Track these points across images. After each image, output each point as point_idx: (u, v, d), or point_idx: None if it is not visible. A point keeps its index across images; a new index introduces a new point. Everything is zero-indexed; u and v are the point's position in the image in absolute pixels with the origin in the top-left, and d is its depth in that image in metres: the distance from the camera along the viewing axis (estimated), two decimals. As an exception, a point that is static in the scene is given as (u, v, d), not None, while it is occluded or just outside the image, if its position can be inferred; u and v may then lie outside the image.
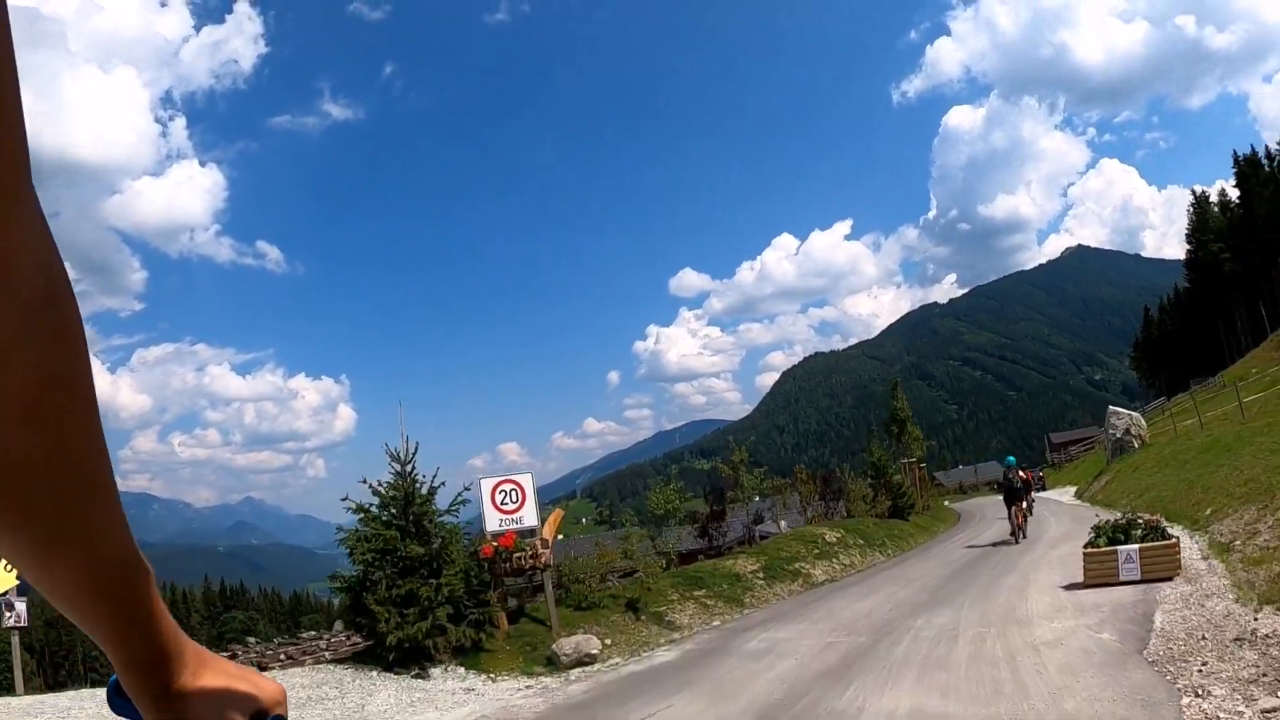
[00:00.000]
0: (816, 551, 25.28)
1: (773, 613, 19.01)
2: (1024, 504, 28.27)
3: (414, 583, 15.05)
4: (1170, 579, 14.35)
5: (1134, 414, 52.35)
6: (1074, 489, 56.80)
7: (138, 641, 0.75)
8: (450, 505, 16.38)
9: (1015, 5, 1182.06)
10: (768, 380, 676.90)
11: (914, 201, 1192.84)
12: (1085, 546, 16.01)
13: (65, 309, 0.55)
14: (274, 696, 0.94)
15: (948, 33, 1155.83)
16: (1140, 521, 15.99)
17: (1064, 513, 38.71)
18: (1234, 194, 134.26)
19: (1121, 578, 14.92)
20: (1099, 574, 15.30)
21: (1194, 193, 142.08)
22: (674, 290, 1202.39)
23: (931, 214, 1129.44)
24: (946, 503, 67.73)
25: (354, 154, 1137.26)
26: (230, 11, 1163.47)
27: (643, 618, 18.03)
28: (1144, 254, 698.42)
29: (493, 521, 16.96)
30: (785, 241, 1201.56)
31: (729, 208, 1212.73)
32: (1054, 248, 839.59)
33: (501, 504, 16.83)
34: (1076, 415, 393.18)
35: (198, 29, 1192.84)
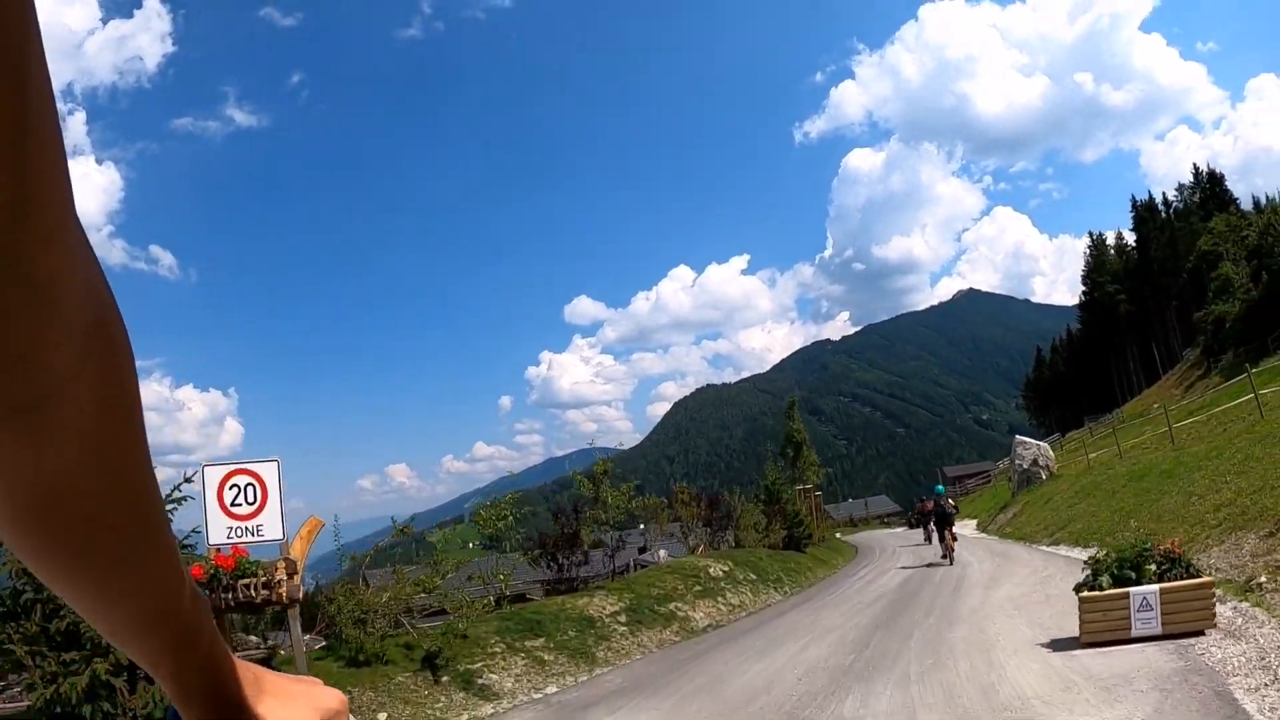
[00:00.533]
0: (698, 588, 20.40)
1: (633, 676, 13.97)
2: (952, 529, 29.19)
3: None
4: (1202, 633, 10.26)
5: (1041, 444, 49.01)
6: (974, 522, 53.32)
7: (197, 673, 0.74)
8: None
9: (920, 54, 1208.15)
10: (659, 410, 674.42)
11: (811, 239, 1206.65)
12: (1081, 589, 11.17)
13: (116, 335, 0.49)
14: (334, 708, 0.87)
15: (852, 76, 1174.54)
16: (1152, 552, 11.18)
17: (976, 547, 34.71)
18: (1130, 239, 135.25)
19: (1136, 632, 10.41)
20: (1102, 628, 10.64)
21: (1091, 235, 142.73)
22: (569, 317, 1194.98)
23: (828, 252, 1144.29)
24: (839, 535, 64.32)
25: (255, 162, 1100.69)
26: (140, 7, 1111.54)
27: (444, 679, 12.73)
28: (1033, 299, 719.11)
29: (218, 530, 10.99)
30: (682, 273, 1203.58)
31: (627, 238, 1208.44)
32: (946, 290, 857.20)
33: (232, 504, 11.06)
34: (963, 453, 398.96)
35: (104, 21, 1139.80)
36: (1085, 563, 11.87)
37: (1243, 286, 67.73)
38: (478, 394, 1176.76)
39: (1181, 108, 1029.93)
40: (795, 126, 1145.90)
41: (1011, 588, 17.18)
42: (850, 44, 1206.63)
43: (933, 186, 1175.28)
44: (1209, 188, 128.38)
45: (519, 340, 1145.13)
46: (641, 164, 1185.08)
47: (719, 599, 20.41)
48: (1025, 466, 46.88)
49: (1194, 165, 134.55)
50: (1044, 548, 27.79)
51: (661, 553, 31.92)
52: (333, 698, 0.93)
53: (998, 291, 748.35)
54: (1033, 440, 49.24)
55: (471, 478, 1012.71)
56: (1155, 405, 73.17)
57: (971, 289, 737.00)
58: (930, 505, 37.95)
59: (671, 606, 18.49)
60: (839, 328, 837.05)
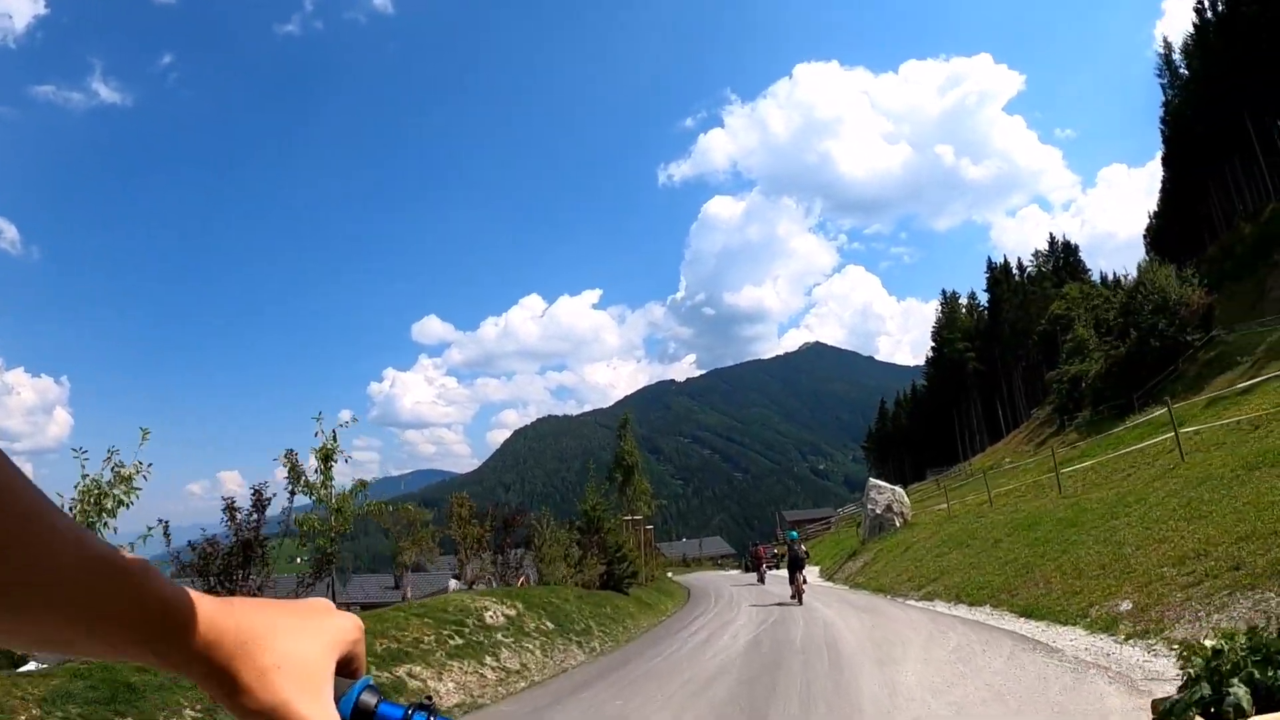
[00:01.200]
0: (457, 642, 13.92)
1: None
2: (803, 574, 29.35)
3: None
4: None
5: (896, 489, 44.27)
6: (816, 569, 48.65)
7: (186, 666, 0.72)
8: None
9: (789, 111, 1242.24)
10: (499, 437, 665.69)
11: (664, 280, 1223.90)
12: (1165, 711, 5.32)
13: None
14: (350, 634, 0.71)
15: (722, 125, 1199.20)
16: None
17: (829, 597, 30.25)
18: (983, 299, 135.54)
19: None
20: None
21: (944, 293, 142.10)
22: (416, 336, 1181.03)
23: (680, 295, 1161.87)
24: (670, 574, 60.31)
25: (115, 142, 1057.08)
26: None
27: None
28: (877, 357, 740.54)
29: None
30: (533, 302, 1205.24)
31: (483, 261, 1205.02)
32: (793, 341, 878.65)
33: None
34: (798, 500, 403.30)
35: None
36: (1178, 663, 6.03)
37: (1099, 348, 66.71)
38: (318, 405, 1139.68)
39: (1035, 188, 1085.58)
40: (661, 168, 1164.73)
41: (920, 666, 11.86)
42: (724, 94, 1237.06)
43: (789, 240, 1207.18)
44: (1063, 256, 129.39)
45: (365, 354, 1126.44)
46: (505, 187, 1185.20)
47: (488, 659, 13.95)
48: (878, 512, 42.87)
49: (1050, 234, 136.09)
50: (915, 603, 23.52)
51: (452, 583, 25.85)
52: (348, 622, 0.88)
53: (843, 347, 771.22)
54: (887, 485, 44.48)
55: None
56: (1007, 459, 71.01)
57: (818, 342, 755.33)
58: (763, 550, 47.49)
59: (402, 671, 12.03)
60: (685, 369, 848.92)
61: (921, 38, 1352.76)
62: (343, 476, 15.88)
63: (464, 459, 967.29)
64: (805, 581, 29.26)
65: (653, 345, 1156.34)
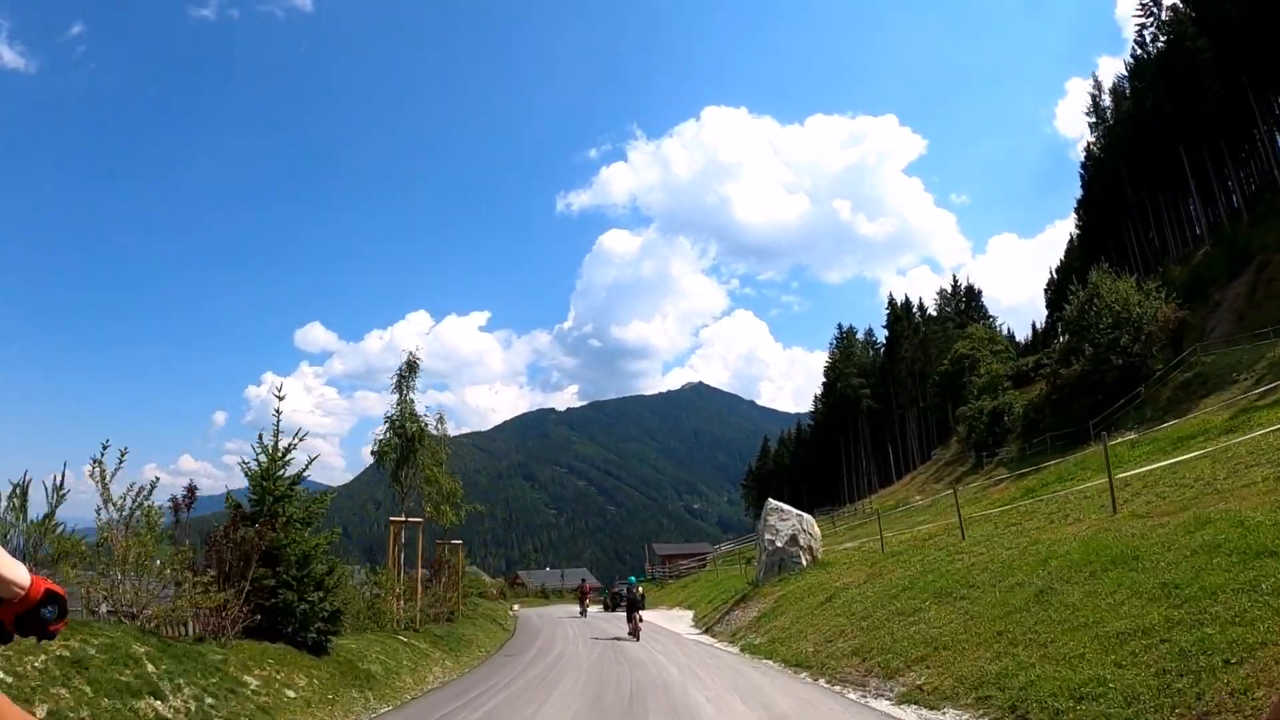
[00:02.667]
0: None
1: None
2: (640, 614, 30.34)
3: None
4: None
5: (804, 516, 32.42)
6: (690, 614, 37.30)
7: None
8: None
9: (693, 152, 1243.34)
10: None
11: (553, 309, 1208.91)
12: None
13: None
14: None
15: (625, 159, 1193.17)
16: None
17: (713, 669, 18.66)
18: (881, 335, 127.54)
19: None
20: None
21: (840, 327, 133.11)
22: (299, 343, 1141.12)
23: (567, 324, 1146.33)
24: (516, 607, 55.89)
25: (10, 107, 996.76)
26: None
27: None
28: (758, 402, 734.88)
29: None
30: (420, 319, 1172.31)
31: (372, 273, 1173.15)
32: (676, 380, 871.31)
33: None
34: (671, 537, 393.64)
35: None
36: None
37: (1007, 389, 59.72)
38: (191, 403, 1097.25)
39: (927, 249, 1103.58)
40: (560, 195, 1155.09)
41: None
42: (630, 128, 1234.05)
43: (681, 279, 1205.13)
44: (965, 300, 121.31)
45: (244, 355, 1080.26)
46: (401, 199, 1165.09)
47: None
48: (779, 544, 31.55)
49: (954, 276, 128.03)
50: (876, 701, 12.65)
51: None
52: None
53: (725, 389, 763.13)
54: (792, 509, 32.36)
55: (172, 490, 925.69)
56: (917, 496, 60.87)
57: (701, 383, 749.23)
58: (587, 587, 53.32)
59: None
60: (566, 399, 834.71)
61: (832, 93, 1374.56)
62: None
63: (337, 471, 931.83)
64: (642, 620, 30.45)
65: (536, 372, 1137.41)
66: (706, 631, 29.94)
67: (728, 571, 53.70)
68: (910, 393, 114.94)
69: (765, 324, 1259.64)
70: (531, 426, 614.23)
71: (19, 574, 1.63)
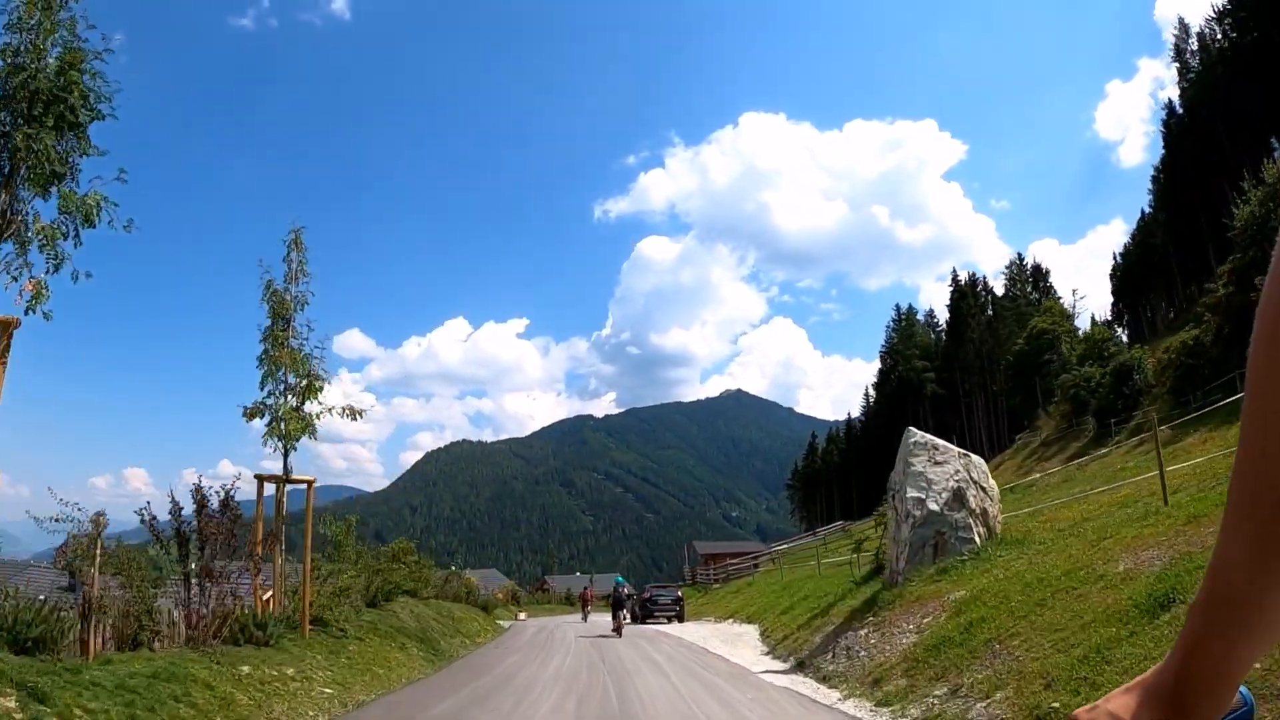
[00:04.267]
0: None
1: None
2: (624, 613, 32.62)
3: None
4: None
5: (972, 457, 18.86)
6: (752, 629, 25.64)
7: None
8: None
9: (731, 158, 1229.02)
10: (412, 458, 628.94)
11: (592, 316, 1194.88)
12: None
13: None
14: None
15: (662, 166, 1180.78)
16: None
17: None
18: (942, 318, 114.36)
19: None
20: None
21: (898, 308, 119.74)
22: (337, 349, 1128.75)
23: (605, 331, 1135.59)
24: (522, 615, 53.88)
25: None
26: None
27: None
28: (797, 409, 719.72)
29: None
30: (458, 326, 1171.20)
31: (412, 279, 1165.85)
32: (714, 387, 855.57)
33: None
34: (691, 553, 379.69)
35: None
36: None
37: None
38: (230, 410, 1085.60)
39: (966, 255, 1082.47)
40: (598, 202, 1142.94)
41: None
42: (667, 135, 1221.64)
43: (720, 287, 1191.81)
44: (1033, 279, 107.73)
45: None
46: (440, 207, 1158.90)
47: None
48: (935, 506, 17.75)
49: (1018, 254, 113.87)
50: None
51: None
52: None
53: (764, 396, 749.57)
54: (953, 447, 19.02)
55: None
56: (1037, 473, 48.21)
57: (740, 390, 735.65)
58: (590, 592, 52.56)
59: None
60: (604, 406, 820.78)
61: (871, 98, 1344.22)
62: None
63: (375, 477, 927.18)
64: (626, 619, 32.89)
65: (574, 380, 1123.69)
66: (799, 667, 17.22)
67: (798, 570, 41.75)
68: (978, 377, 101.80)
69: (804, 331, 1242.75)
70: (569, 433, 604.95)
71: None
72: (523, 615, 56.53)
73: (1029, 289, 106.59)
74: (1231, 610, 0.91)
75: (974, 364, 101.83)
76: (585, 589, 55.44)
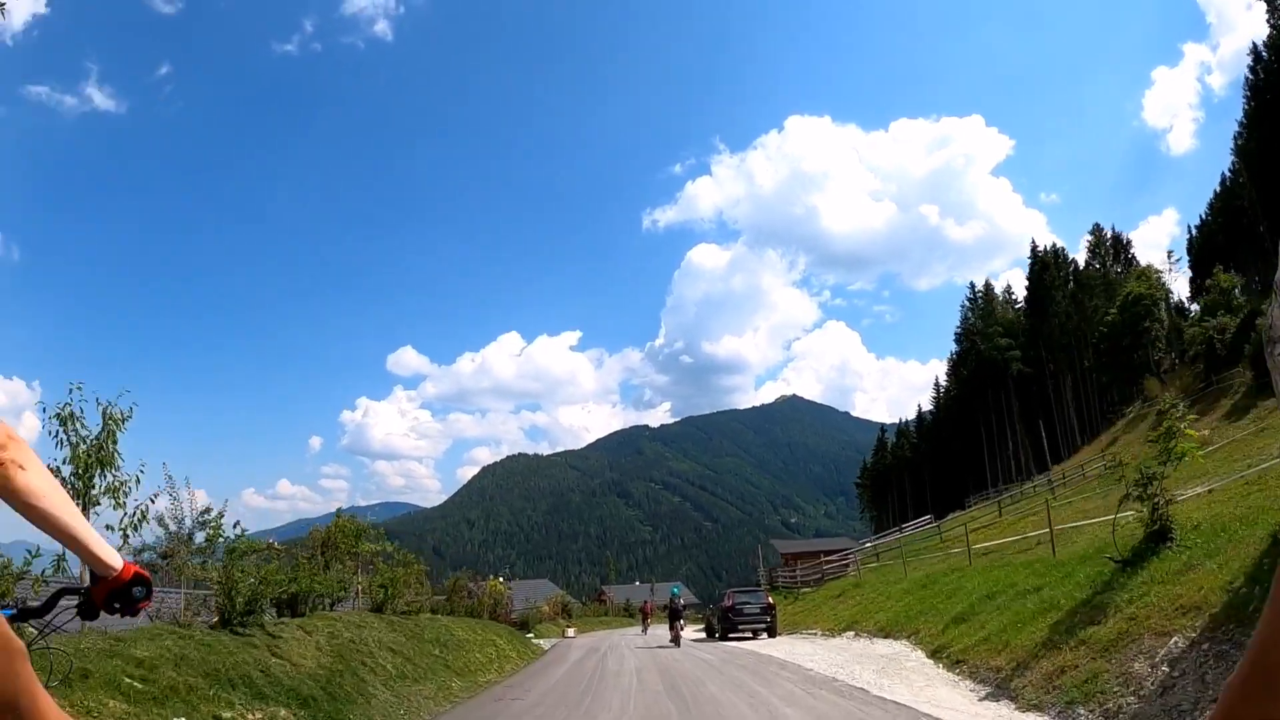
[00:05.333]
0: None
1: None
2: (681, 622, 32.71)
3: None
4: None
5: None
6: (915, 653, 18.31)
7: None
8: None
9: (777, 163, 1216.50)
10: (469, 473, 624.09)
11: (644, 326, 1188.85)
12: None
13: None
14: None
15: (709, 174, 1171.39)
16: None
17: None
18: (1020, 293, 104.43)
19: None
20: None
21: (973, 285, 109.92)
22: (391, 367, 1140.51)
23: (659, 341, 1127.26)
24: (570, 632, 48.01)
25: (106, 148, 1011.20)
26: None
27: None
28: (853, 413, 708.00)
29: None
30: (511, 340, 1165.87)
31: (464, 295, 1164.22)
32: (769, 393, 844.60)
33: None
34: (768, 552, 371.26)
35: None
36: None
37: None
38: (289, 430, 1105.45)
39: (1018, 251, 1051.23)
40: (646, 212, 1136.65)
41: None
42: (712, 142, 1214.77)
43: (771, 292, 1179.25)
44: (1113, 250, 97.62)
45: (338, 381, 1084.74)
46: (489, 223, 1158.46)
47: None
48: None
49: (1096, 225, 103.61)
50: None
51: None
52: None
53: (819, 401, 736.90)
54: None
55: (272, 515, 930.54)
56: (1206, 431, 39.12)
57: (795, 395, 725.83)
58: (650, 605, 49.85)
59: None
60: (659, 416, 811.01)
61: (916, 96, 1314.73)
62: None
63: (432, 494, 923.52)
64: (683, 627, 33.20)
65: (628, 391, 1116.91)
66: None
67: (925, 565, 33.00)
68: (1064, 355, 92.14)
69: (857, 334, 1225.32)
70: (625, 444, 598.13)
71: (114, 558, 1.98)
72: (571, 632, 48.47)
73: (1110, 262, 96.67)
74: (1272, 684, 0.89)
75: (1060, 340, 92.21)
76: (646, 602, 51.93)
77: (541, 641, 38.55)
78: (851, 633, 24.74)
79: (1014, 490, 63.89)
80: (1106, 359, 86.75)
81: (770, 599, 33.96)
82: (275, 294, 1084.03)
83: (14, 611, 2.06)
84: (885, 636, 21.27)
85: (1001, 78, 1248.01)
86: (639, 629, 47.62)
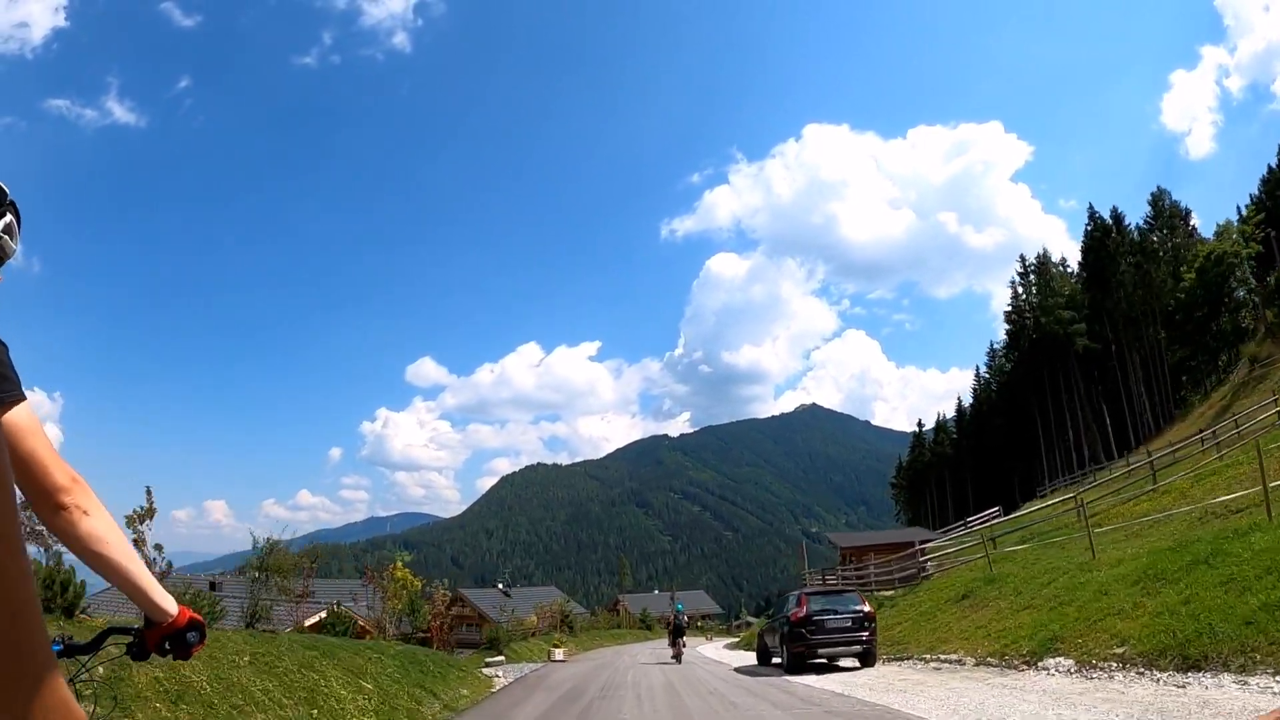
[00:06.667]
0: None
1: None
2: (683, 640, 31.67)
3: None
4: None
5: None
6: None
7: None
8: None
9: (795, 172, 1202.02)
10: (488, 484, 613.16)
11: (663, 336, 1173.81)
12: None
13: None
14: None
15: (727, 183, 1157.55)
16: None
17: None
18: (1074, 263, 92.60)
19: None
20: None
21: (1022, 259, 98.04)
22: (410, 378, 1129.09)
23: (678, 351, 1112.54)
24: (558, 655, 35.70)
25: (124, 162, 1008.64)
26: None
27: None
28: (873, 422, 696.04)
29: None
30: (530, 351, 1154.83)
31: (482, 306, 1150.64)
32: (789, 403, 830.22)
33: None
34: (788, 562, 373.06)
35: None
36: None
37: None
38: (308, 440, 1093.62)
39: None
40: (664, 222, 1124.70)
41: None
42: (730, 151, 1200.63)
43: (790, 302, 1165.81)
44: (1170, 221, 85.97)
45: (358, 392, 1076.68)
46: (508, 233, 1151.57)
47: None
48: None
49: (1158, 188, 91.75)
50: None
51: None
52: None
53: (839, 410, 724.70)
54: None
55: (291, 525, 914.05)
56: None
57: (814, 404, 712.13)
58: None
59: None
60: (678, 426, 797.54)
61: (934, 103, 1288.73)
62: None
63: (451, 504, 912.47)
64: (684, 645, 32.01)
65: (648, 401, 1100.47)
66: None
67: (1105, 542, 20.98)
68: (1134, 329, 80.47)
69: (877, 343, 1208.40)
70: (645, 454, 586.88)
71: (169, 604, 2.04)
72: (559, 654, 36.58)
73: (1169, 235, 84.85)
74: None
75: (1127, 314, 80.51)
76: (676, 615, 35.22)
77: (500, 672, 26.76)
78: (1060, 658, 13.30)
79: (1102, 472, 52.94)
80: (1184, 330, 75.66)
81: (869, 607, 21.63)
82: (294, 305, 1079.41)
83: (61, 647, 2.03)
84: (1187, 667, 10.02)
85: (1019, 83, 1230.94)
86: (664, 648, 35.87)
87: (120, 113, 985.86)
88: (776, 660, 24.23)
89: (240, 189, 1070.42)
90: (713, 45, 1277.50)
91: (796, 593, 24.74)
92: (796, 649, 21.31)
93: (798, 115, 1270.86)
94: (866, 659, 20.66)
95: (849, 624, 20.63)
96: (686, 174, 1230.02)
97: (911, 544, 37.65)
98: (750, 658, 30.78)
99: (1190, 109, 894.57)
